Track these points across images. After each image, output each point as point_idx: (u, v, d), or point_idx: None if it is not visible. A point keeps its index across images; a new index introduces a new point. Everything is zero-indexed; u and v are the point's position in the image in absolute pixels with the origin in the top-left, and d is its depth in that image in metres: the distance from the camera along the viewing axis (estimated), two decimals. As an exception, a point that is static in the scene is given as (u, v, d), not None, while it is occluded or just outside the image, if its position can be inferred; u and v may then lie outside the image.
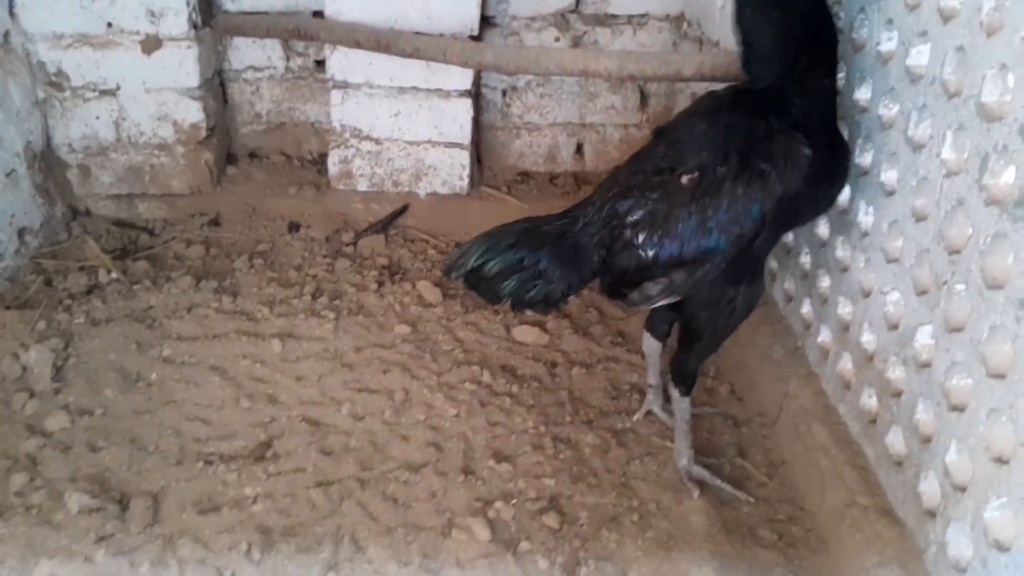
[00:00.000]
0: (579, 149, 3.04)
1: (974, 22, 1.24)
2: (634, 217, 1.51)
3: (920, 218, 1.38)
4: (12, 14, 2.51)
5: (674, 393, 1.76)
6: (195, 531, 1.67)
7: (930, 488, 1.33)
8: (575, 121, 2.98)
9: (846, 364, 1.66)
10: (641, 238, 1.49)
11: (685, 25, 2.71)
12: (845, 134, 1.68)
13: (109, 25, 2.56)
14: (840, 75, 1.70)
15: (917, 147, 1.39)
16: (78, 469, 1.81)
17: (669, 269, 1.50)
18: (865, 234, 1.58)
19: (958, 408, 1.27)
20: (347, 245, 2.70)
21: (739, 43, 1.56)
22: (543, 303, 1.55)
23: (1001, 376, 1.17)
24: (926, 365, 1.36)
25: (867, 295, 1.57)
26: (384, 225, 2.79)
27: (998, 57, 1.19)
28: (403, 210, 2.83)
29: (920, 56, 1.39)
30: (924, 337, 1.37)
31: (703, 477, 1.77)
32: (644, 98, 2.93)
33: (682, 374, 1.73)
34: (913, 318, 1.40)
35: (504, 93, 2.93)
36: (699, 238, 1.46)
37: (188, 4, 2.55)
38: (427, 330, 2.29)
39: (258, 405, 1.99)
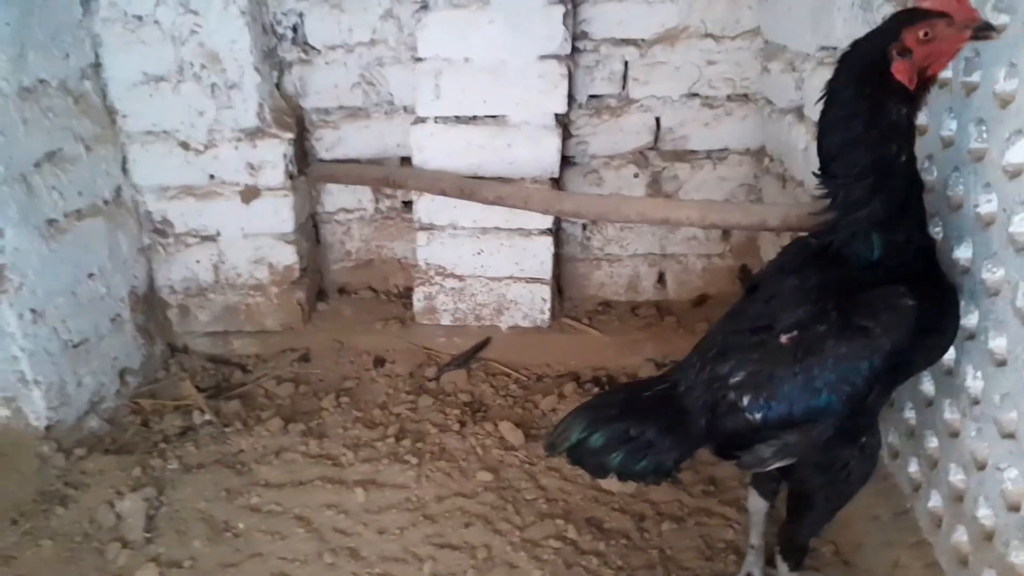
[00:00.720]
0: (661, 279, 3.03)
1: (1082, 195, 1.18)
2: (736, 379, 1.44)
3: (1037, 396, 1.29)
4: (124, 170, 2.70)
5: (782, 568, 1.66)
6: None
7: None
8: (656, 252, 2.97)
9: (961, 537, 1.54)
10: (747, 401, 1.42)
11: (767, 160, 2.71)
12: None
13: (211, 177, 2.73)
14: (937, 228, 1.65)
15: (1028, 320, 1.32)
16: (165, 627, 1.82)
17: (780, 431, 1.43)
18: (975, 401, 1.49)
19: (1099, 616, 1.14)
20: (430, 380, 2.72)
21: (823, 190, 1.47)
22: (654, 474, 1.47)
23: None
24: (1057, 560, 1.24)
25: (981, 467, 1.47)
26: (466, 359, 2.80)
27: (1113, 235, 1.12)
28: (485, 344, 2.84)
29: (1024, 224, 1.33)
30: (1052, 527, 1.26)
31: None
32: (727, 230, 2.91)
33: (792, 547, 1.63)
34: (1037, 504, 1.29)
35: (584, 227, 2.96)
36: (807, 399, 1.39)
37: (285, 157, 2.70)
38: (509, 477, 2.25)
39: (341, 560, 1.97)
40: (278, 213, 2.76)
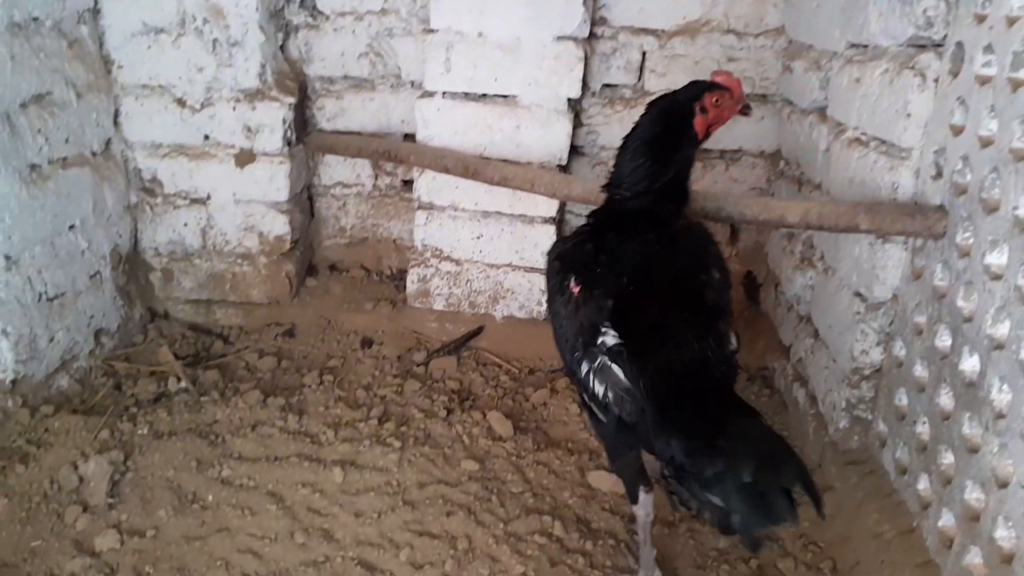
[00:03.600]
0: (662, 279, 2.93)
1: None
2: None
3: (1075, 410, 1.21)
4: (116, 123, 2.59)
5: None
6: None
7: None
8: (660, 251, 2.88)
9: (975, 559, 1.45)
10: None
11: (782, 163, 2.63)
12: (973, 299, 1.53)
13: (206, 137, 2.62)
14: (966, 235, 1.57)
15: (1069, 328, 1.23)
16: (121, 598, 1.71)
17: None
18: (1000, 415, 1.40)
19: None
20: (418, 365, 2.63)
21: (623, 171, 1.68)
22: None
23: None
24: (1086, 585, 1.16)
25: (1003, 486, 1.38)
26: (457, 346, 2.71)
27: None
28: (478, 332, 2.75)
29: (1070, 227, 1.25)
30: (1082, 550, 1.17)
31: None
32: (735, 232, 2.83)
33: None
34: (1067, 524, 1.21)
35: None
36: None
37: (284, 122, 2.60)
38: (496, 468, 2.15)
39: (313, 541, 1.87)
40: (273, 180, 2.65)
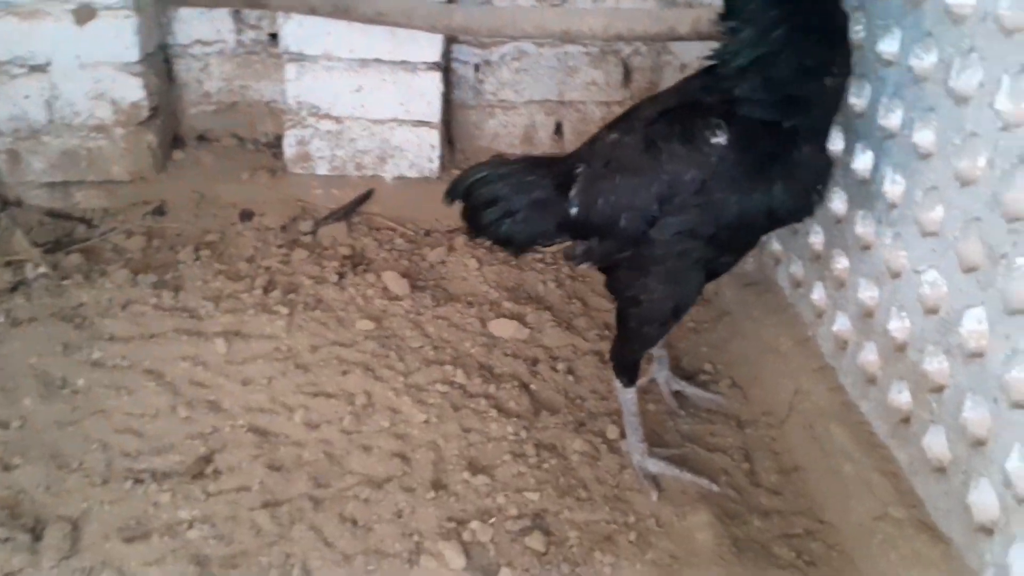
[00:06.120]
0: (558, 129, 2.82)
1: (1034, -55, 1.04)
2: (577, 170, 1.52)
3: (967, 182, 1.18)
4: (-76, -20, 2.24)
5: (616, 384, 1.65)
6: (119, 562, 1.44)
7: (985, 499, 1.13)
8: (553, 98, 2.76)
9: (869, 355, 1.46)
10: (571, 194, 1.51)
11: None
12: (865, 93, 1.48)
13: (36, -8, 2.30)
14: (858, 27, 1.50)
15: (961, 99, 1.19)
16: (-12, 491, 1.57)
17: (588, 232, 1.52)
18: (893, 205, 1.37)
19: (1022, 405, 1.06)
20: (305, 234, 2.46)
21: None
22: (509, 243, 1.62)
23: (1079, 366, 0.97)
24: (977, 354, 1.15)
25: (896, 276, 1.37)
26: (346, 212, 2.55)
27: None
28: (367, 196, 2.59)
29: (964, -8, 1.18)
30: (973, 322, 1.17)
31: (661, 471, 1.62)
32: (628, 73, 2.72)
33: (619, 363, 1.63)
34: (959, 300, 1.20)
35: (477, 68, 2.70)
36: (602, 208, 1.45)
37: (124, -32, 2.30)
38: (393, 326, 2.06)
39: (198, 414, 1.75)
40: (120, 37, 2.36)
